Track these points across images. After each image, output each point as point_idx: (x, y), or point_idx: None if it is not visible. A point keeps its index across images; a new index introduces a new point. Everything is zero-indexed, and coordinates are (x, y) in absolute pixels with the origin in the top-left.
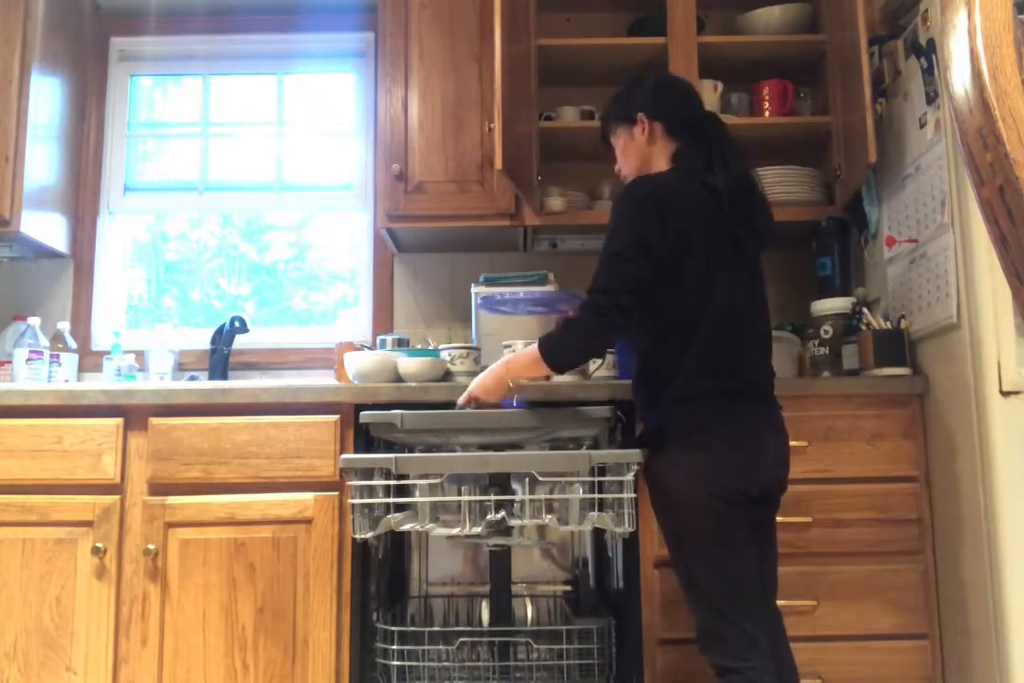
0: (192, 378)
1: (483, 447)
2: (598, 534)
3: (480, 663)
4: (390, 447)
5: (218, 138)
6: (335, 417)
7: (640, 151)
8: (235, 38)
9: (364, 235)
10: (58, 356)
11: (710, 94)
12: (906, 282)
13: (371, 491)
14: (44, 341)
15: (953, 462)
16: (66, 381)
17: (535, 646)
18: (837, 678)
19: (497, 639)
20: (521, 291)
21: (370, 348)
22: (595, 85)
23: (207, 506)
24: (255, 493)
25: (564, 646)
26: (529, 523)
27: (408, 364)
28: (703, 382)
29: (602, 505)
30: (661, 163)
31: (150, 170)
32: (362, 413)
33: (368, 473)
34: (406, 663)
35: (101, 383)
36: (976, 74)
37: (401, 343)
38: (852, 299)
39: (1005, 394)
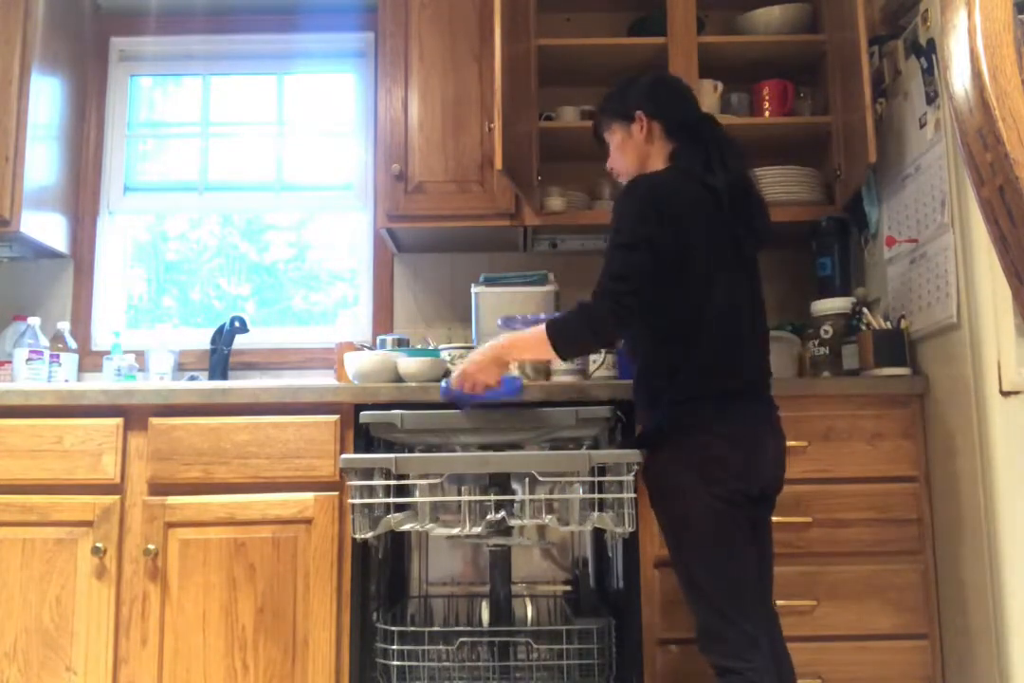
0: (192, 378)
1: (483, 447)
2: (598, 534)
3: (480, 663)
4: (390, 447)
5: (218, 138)
6: (335, 417)
7: (638, 149)
8: (235, 38)
9: (364, 235)
10: (58, 356)
11: (710, 94)
12: (906, 282)
13: (371, 491)
14: (44, 341)
15: (953, 462)
16: (66, 381)
17: (535, 646)
18: (837, 678)
19: (497, 639)
20: (542, 314)
21: (370, 348)
22: (595, 85)
23: (207, 506)
24: (255, 493)
25: (564, 646)
26: (529, 523)
27: (408, 364)
28: (703, 382)
29: (602, 505)
30: (658, 163)
31: (150, 170)
32: (362, 413)
33: (368, 473)
34: (406, 663)
35: (101, 383)
36: (976, 74)
37: (401, 343)
38: (852, 299)
39: (1005, 394)
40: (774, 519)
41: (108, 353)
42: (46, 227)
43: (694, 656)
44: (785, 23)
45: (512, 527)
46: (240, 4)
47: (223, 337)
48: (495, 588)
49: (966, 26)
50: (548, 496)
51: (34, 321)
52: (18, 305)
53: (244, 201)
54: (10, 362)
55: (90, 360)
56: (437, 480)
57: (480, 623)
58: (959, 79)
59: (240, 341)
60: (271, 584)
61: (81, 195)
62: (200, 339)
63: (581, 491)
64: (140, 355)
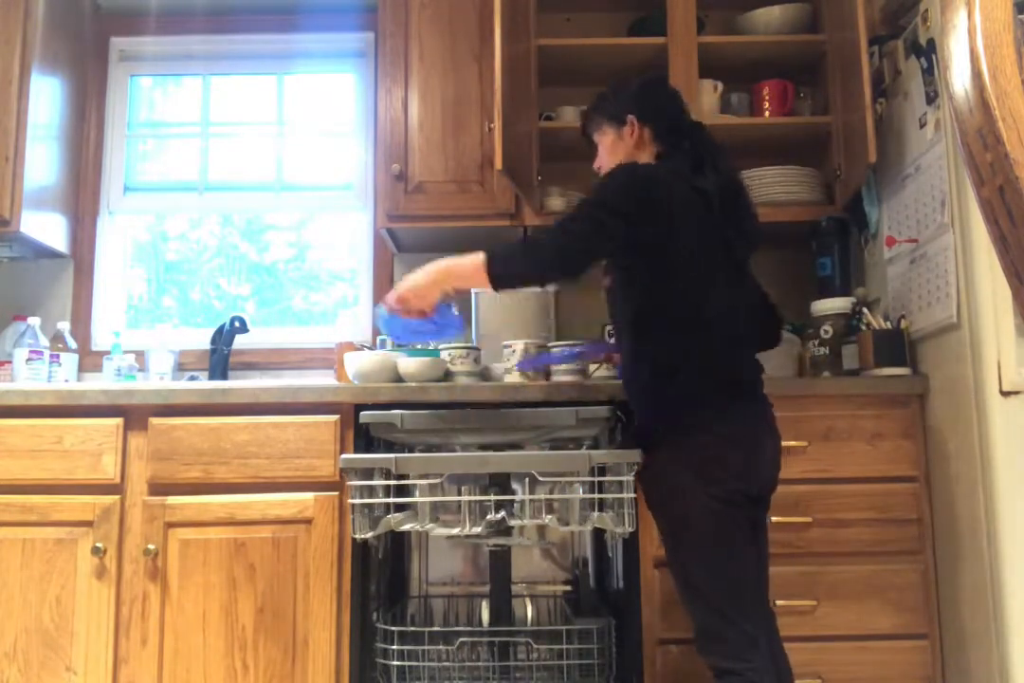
0: (192, 378)
1: (483, 447)
2: (598, 534)
3: (480, 663)
4: (390, 447)
5: (218, 138)
6: (335, 417)
7: (627, 152)
8: (235, 38)
9: (364, 235)
10: (58, 356)
11: (710, 94)
12: (906, 282)
13: (371, 491)
14: (44, 341)
15: (953, 462)
16: (66, 381)
17: (535, 646)
18: (837, 678)
19: (497, 639)
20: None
21: (370, 348)
22: (595, 85)
23: (207, 506)
24: (255, 493)
25: (564, 646)
26: (529, 523)
27: (408, 364)
28: (704, 382)
29: (602, 505)
30: None
31: (150, 170)
32: (362, 413)
33: (368, 473)
34: (406, 663)
35: (101, 383)
36: (976, 74)
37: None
38: (852, 299)
39: (1005, 394)
40: (773, 519)
41: (108, 353)
42: (46, 227)
43: (694, 656)
44: (785, 23)
45: (512, 527)
46: (240, 4)
47: (223, 337)
48: (495, 588)
49: (966, 26)
50: (548, 496)
51: (34, 321)
52: (18, 305)
53: (244, 201)
54: (10, 362)
55: (90, 360)
56: (437, 480)
57: (480, 623)
58: (959, 79)
59: (240, 341)
60: (271, 584)
61: (81, 195)
62: (200, 339)
63: (581, 491)
64: (140, 355)
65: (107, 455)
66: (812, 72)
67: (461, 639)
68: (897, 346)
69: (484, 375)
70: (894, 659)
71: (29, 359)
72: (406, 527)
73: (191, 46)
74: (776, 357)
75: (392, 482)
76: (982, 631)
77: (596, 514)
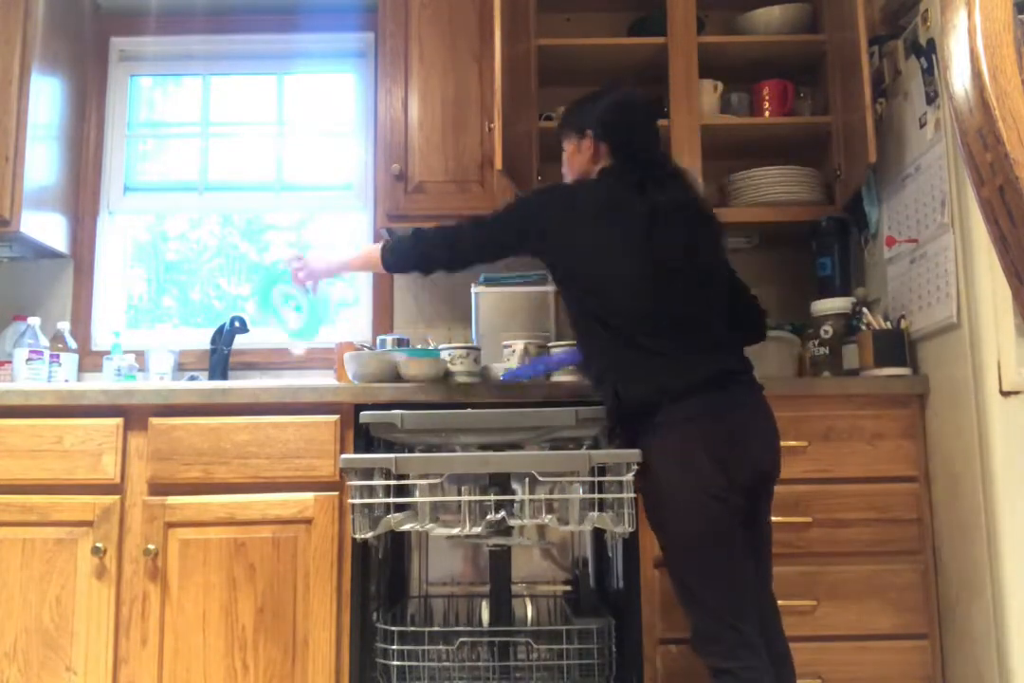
0: (192, 378)
1: (483, 447)
2: (598, 534)
3: (480, 663)
4: (390, 447)
5: (218, 138)
6: (335, 417)
7: (582, 166)
8: (235, 38)
9: (364, 235)
10: (58, 356)
11: (710, 94)
12: (906, 282)
13: (371, 491)
14: (44, 341)
15: (953, 462)
16: (66, 381)
17: (535, 646)
18: (837, 678)
19: (497, 639)
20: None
21: (370, 348)
22: (595, 85)
23: (207, 506)
24: (255, 493)
25: (564, 646)
26: (529, 523)
27: (408, 364)
28: (642, 387)
29: (602, 505)
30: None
31: (150, 170)
32: (362, 413)
33: (368, 473)
34: (406, 663)
35: (101, 383)
36: (976, 74)
37: (401, 343)
38: (852, 299)
39: (1005, 394)
40: (774, 519)
41: (108, 353)
42: (46, 227)
43: (694, 656)
44: (785, 23)
45: (512, 527)
46: (240, 4)
47: (223, 337)
48: (495, 588)
49: (966, 26)
50: (548, 496)
51: (34, 321)
52: (18, 305)
53: (244, 201)
54: (10, 362)
55: (90, 360)
56: (437, 480)
57: (480, 623)
58: (959, 79)
59: (240, 341)
60: (271, 584)
61: (81, 195)
62: (200, 339)
63: (581, 491)
64: (140, 355)
65: (107, 455)
66: (812, 72)
67: (461, 639)
68: (897, 346)
69: (484, 375)
70: (894, 659)
71: (29, 359)
72: (406, 527)
73: (191, 46)
74: (776, 357)
75: (392, 482)
76: (982, 631)
77: (595, 514)
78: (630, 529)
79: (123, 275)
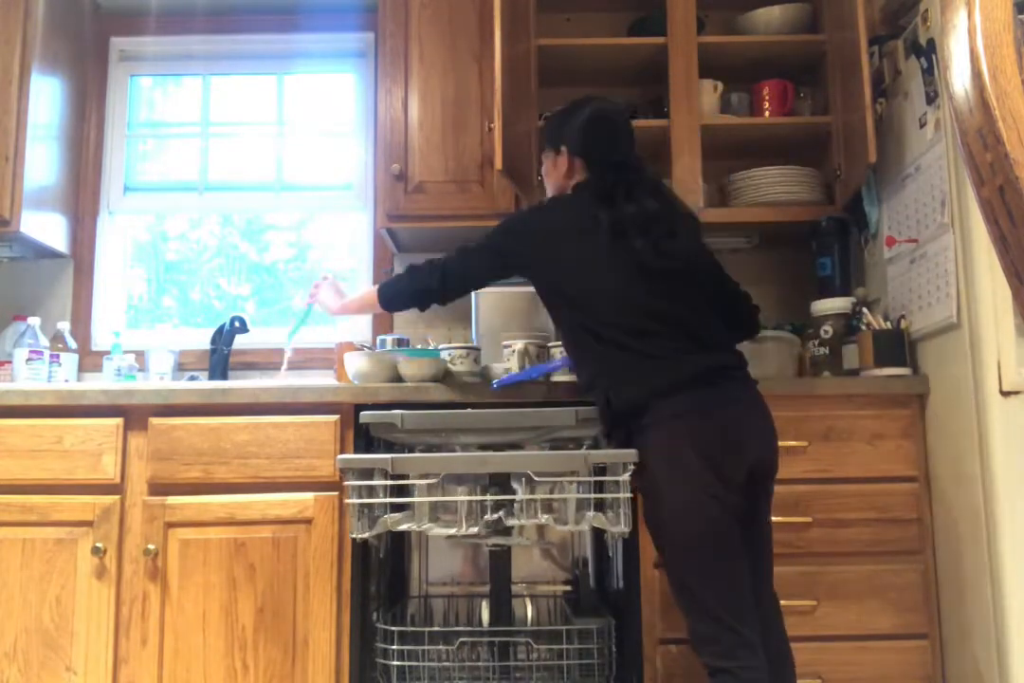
0: (192, 378)
1: (483, 447)
2: (598, 534)
3: (480, 663)
4: (390, 447)
5: (218, 138)
6: (335, 417)
7: (558, 182)
8: (235, 38)
9: (364, 235)
10: (58, 356)
11: (710, 94)
12: (906, 282)
13: (371, 491)
14: (44, 341)
15: (953, 462)
16: (66, 381)
17: (535, 646)
18: (837, 678)
19: (497, 639)
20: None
21: (370, 348)
22: (595, 85)
23: (207, 506)
24: (255, 493)
25: (564, 646)
26: (527, 523)
27: (408, 364)
28: (628, 391)
29: (602, 505)
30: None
31: (150, 170)
32: (362, 413)
33: (367, 473)
34: (406, 663)
35: (101, 383)
36: (976, 74)
37: (401, 343)
38: (852, 299)
39: (1005, 394)
40: (774, 519)
41: (108, 353)
42: (46, 227)
43: (694, 656)
44: (785, 23)
45: (511, 527)
46: (240, 4)
47: (223, 337)
48: (495, 588)
49: (966, 26)
50: (546, 496)
51: (34, 321)
52: (18, 305)
53: (244, 201)
54: (10, 362)
55: (90, 360)
56: (435, 480)
57: (480, 623)
58: (959, 79)
59: (240, 341)
60: (271, 584)
61: (81, 195)
62: (200, 339)
63: (580, 491)
64: (140, 355)
65: (107, 455)
66: (812, 72)
67: (461, 639)
68: (897, 346)
69: (484, 375)
70: (894, 659)
71: (29, 359)
72: (403, 527)
73: (191, 46)
74: (776, 357)
75: (390, 482)
76: (982, 631)
77: (592, 514)
78: (627, 529)
79: (123, 275)
